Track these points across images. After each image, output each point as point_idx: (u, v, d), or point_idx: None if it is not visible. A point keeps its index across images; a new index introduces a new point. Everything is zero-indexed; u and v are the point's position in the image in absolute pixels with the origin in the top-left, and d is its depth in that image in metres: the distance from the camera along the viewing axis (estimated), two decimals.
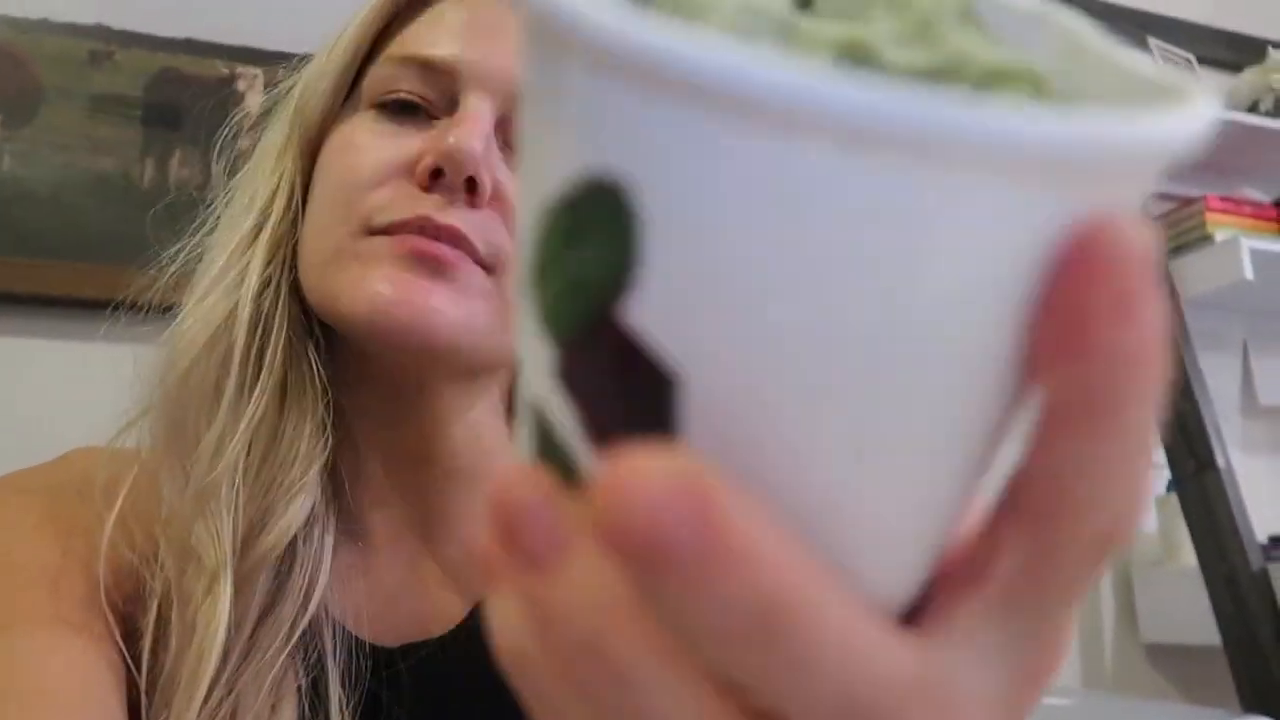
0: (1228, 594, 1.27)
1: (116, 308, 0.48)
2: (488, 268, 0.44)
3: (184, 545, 0.40)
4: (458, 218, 0.43)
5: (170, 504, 0.42)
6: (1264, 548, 1.32)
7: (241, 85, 1.17)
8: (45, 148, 1.10)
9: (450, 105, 0.46)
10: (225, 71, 1.17)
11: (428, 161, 0.43)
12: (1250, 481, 1.35)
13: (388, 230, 0.43)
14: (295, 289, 0.46)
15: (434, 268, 0.42)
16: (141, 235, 0.51)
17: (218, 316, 0.44)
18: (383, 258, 0.42)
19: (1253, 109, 1.67)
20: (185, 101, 1.13)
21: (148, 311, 0.48)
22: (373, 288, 0.42)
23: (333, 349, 0.47)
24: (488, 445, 0.50)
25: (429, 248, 0.42)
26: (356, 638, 0.43)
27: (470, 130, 0.43)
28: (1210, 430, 1.33)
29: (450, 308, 0.42)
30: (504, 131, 0.46)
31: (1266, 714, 1.14)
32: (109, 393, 0.46)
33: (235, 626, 0.39)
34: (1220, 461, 1.31)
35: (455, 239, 0.43)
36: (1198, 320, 1.44)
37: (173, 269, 0.48)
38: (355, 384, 0.47)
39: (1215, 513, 1.30)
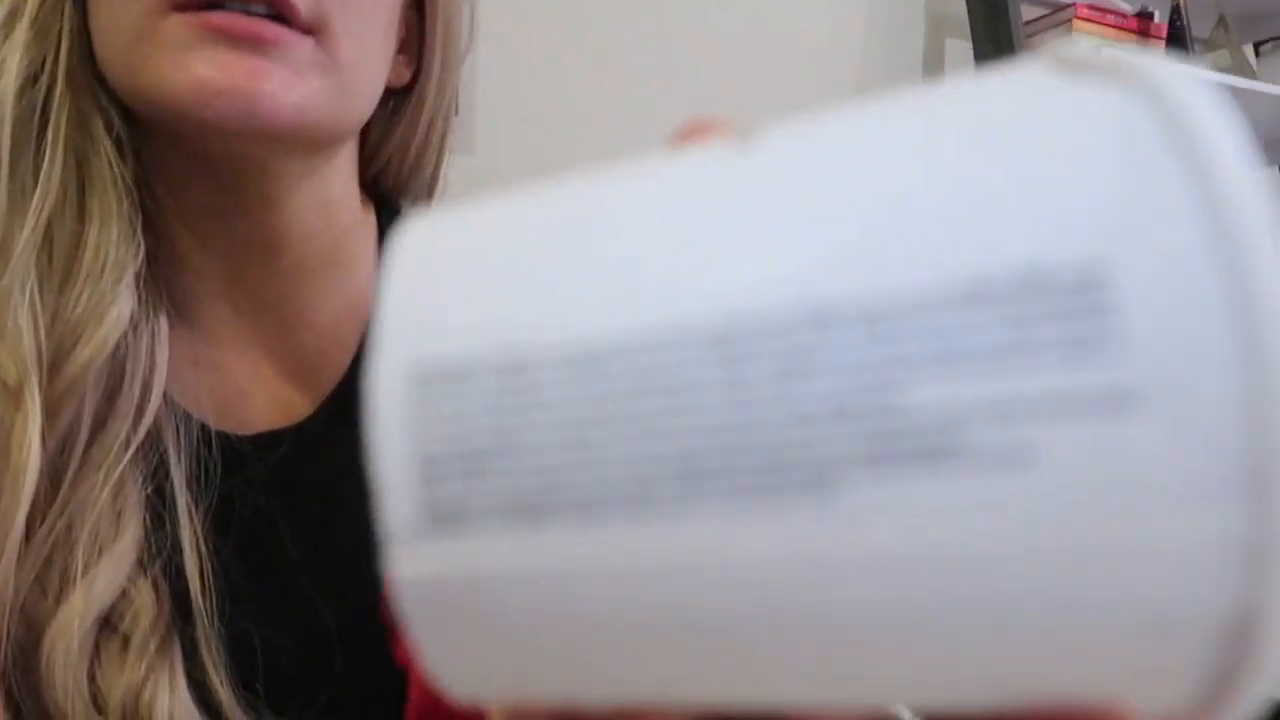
0: None
1: None
2: (313, 31, 0.39)
3: None
4: None
5: None
6: None
7: None
8: None
9: None
10: None
11: None
12: None
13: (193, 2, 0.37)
14: (75, 79, 0.40)
15: (256, 46, 0.37)
16: None
17: None
18: (192, 40, 0.37)
19: None
20: None
21: None
22: (192, 74, 0.36)
23: (144, 140, 0.41)
24: (344, 222, 0.46)
25: (244, 26, 0.37)
26: (203, 435, 0.42)
27: None
28: None
29: (285, 91, 0.37)
30: None
31: None
32: None
33: (64, 446, 0.37)
34: None
35: (273, 1, 0.37)
36: None
37: None
38: (178, 176, 0.42)
39: None
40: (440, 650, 0.15)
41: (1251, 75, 1.72)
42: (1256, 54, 1.80)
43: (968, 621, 0.12)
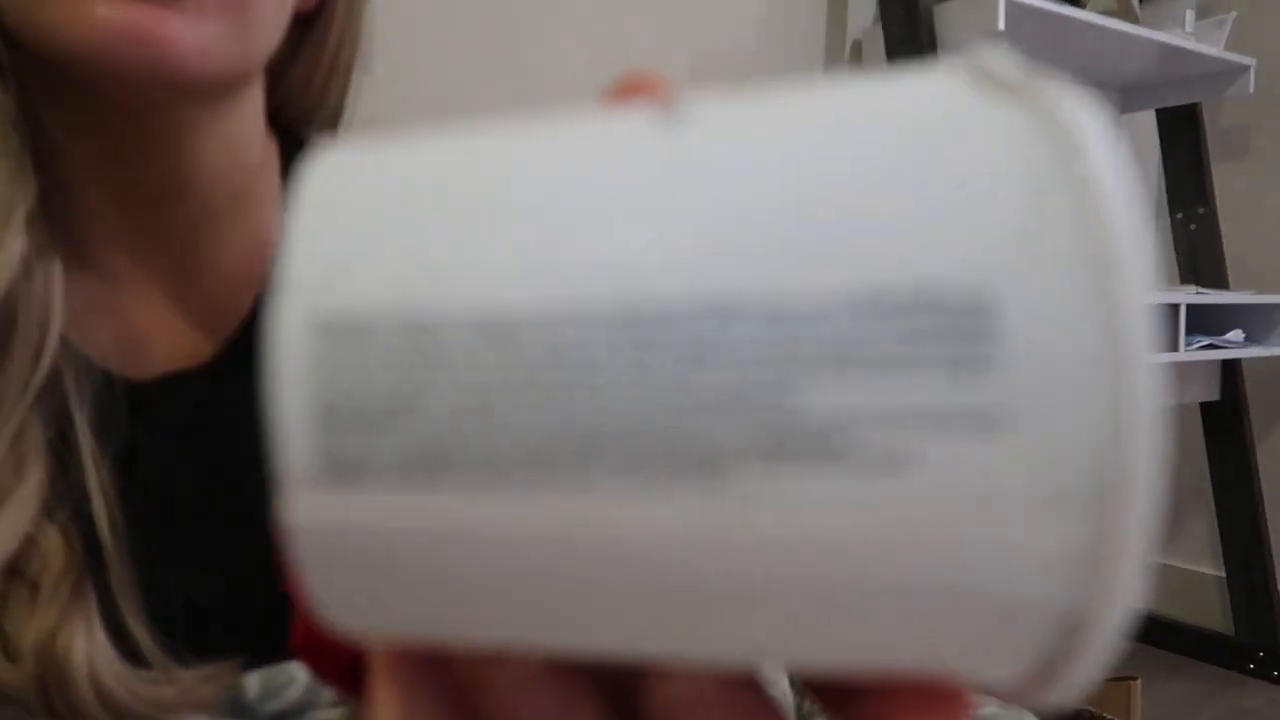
0: None
1: None
2: None
3: None
4: None
5: None
6: None
7: None
8: None
9: None
10: None
11: None
12: None
13: None
14: None
15: None
16: None
17: None
18: None
19: None
20: None
21: None
22: (91, 14, 0.34)
23: (31, 70, 0.39)
24: (252, 162, 0.44)
25: None
26: (104, 379, 0.40)
27: None
28: None
29: (188, 35, 0.35)
30: None
31: None
32: None
33: None
34: None
35: None
36: None
37: None
38: (74, 116, 0.40)
39: None
40: (330, 593, 0.15)
41: (1135, 20, 1.78)
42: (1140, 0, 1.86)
43: (837, 604, 0.13)
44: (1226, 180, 1.97)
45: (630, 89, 0.16)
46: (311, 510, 0.14)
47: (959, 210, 0.13)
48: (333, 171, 0.16)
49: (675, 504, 0.13)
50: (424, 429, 0.14)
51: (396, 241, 0.14)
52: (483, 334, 0.13)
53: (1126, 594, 0.12)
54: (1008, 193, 0.13)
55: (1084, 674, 0.13)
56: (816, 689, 0.18)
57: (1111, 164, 0.12)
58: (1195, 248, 1.97)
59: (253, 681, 0.40)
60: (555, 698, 0.16)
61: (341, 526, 0.14)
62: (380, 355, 0.14)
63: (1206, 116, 1.97)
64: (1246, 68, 1.84)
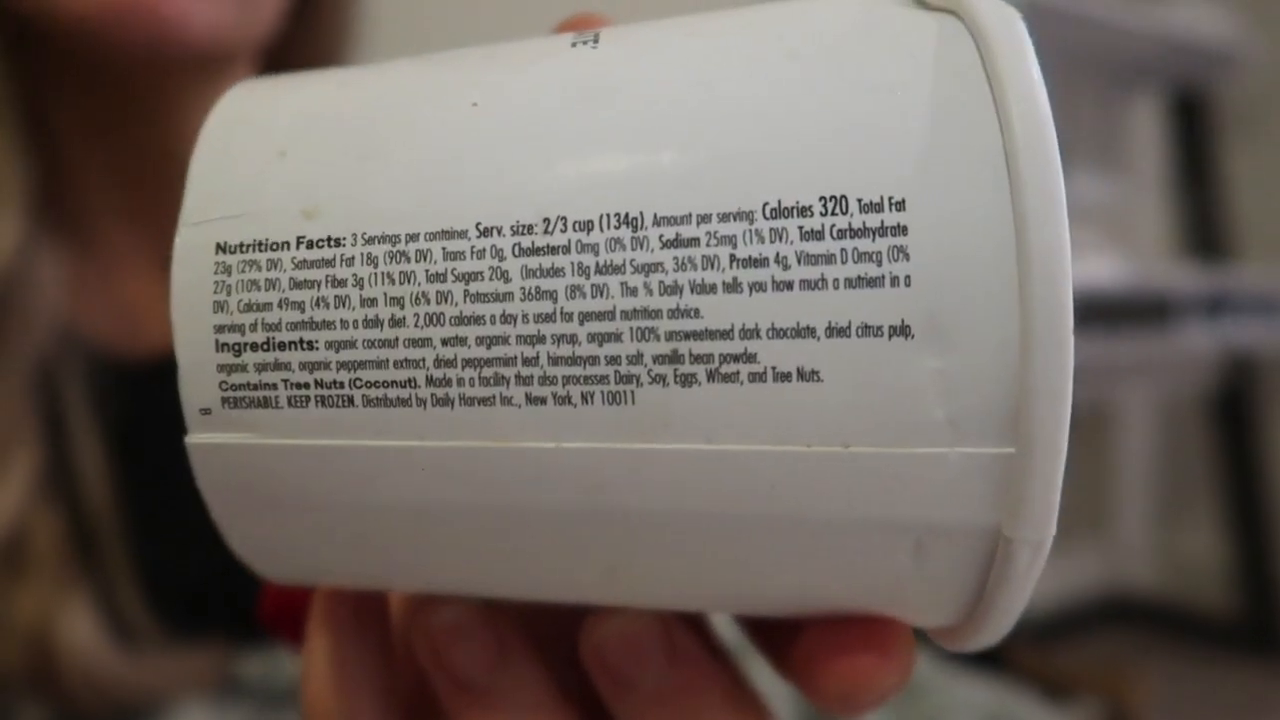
0: None
1: None
2: None
3: None
4: None
5: None
6: None
7: None
8: None
9: None
10: None
11: None
12: None
13: None
14: None
15: None
16: None
17: None
18: None
19: None
20: None
21: None
22: None
23: (30, 51, 0.38)
24: None
25: None
26: (101, 358, 0.39)
27: None
28: None
29: (201, 6, 0.34)
30: None
31: None
32: None
33: None
34: None
35: None
36: None
37: None
38: (70, 91, 0.39)
39: None
40: (237, 526, 0.15)
41: None
42: None
43: (749, 530, 0.13)
44: (1234, 161, 1.96)
45: (567, 25, 0.16)
46: (212, 438, 0.14)
47: (865, 124, 0.12)
48: (240, 100, 0.16)
49: (579, 421, 0.13)
50: (324, 351, 0.14)
51: (299, 164, 0.14)
52: (382, 254, 0.13)
53: (1043, 516, 0.12)
54: (917, 106, 0.12)
55: (1010, 608, 0.13)
56: (748, 629, 0.17)
57: (1028, 79, 0.12)
58: (1201, 228, 1.95)
59: (252, 663, 0.39)
60: (487, 641, 0.16)
61: (242, 454, 0.14)
62: (281, 276, 0.14)
63: (1214, 95, 1.96)
64: (1255, 45, 1.82)
